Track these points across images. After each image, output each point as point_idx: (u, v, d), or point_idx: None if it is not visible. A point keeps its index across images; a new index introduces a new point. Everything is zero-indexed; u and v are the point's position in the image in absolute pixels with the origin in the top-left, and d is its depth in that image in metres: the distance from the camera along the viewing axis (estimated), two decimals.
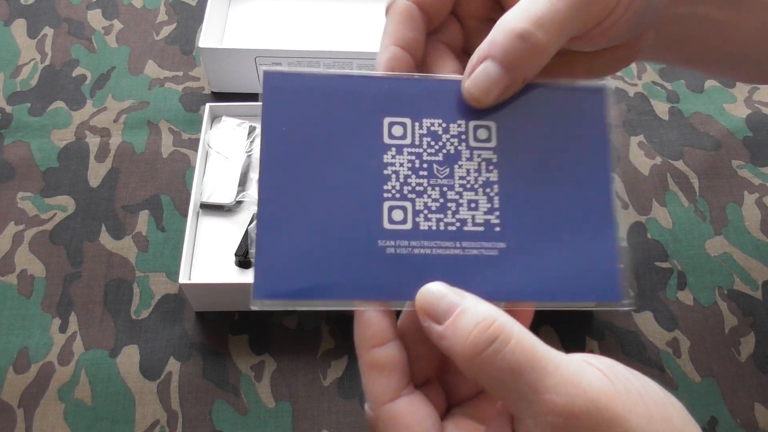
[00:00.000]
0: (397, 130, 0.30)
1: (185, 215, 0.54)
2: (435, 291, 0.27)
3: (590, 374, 0.25)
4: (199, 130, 0.58)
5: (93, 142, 0.59)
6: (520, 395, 0.24)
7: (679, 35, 0.36)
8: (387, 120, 0.30)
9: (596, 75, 0.35)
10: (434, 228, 0.29)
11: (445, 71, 0.32)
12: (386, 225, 0.28)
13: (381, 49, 0.31)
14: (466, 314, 0.25)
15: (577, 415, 0.24)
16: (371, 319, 0.27)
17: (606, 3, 0.29)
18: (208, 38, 0.59)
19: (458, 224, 0.29)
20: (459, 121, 0.30)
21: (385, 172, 0.29)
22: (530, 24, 0.28)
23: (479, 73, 0.29)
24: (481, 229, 0.29)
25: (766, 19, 0.36)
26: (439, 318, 0.26)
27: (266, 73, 0.30)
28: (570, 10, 0.28)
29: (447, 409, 0.30)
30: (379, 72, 0.30)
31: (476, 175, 0.29)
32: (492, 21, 0.29)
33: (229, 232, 0.52)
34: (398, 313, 0.29)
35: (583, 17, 0.29)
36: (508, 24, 0.28)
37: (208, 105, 0.56)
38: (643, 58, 0.37)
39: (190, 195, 0.52)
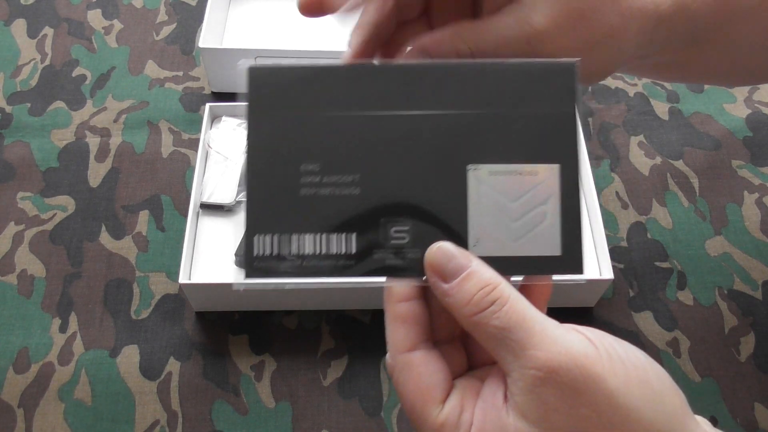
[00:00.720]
0: None
1: (185, 215, 0.54)
2: (446, 250, 0.29)
3: (574, 337, 0.27)
4: (199, 130, 0.58)
5: (93, 142, 0.59)
6: (509, 350, 0.27)
7: (652, 68, 0.38)
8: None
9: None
10: None
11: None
12: None
13: (354, 32, 0.33)
14: (473, 278, 0.28)
15: (557, 369, 0.26)
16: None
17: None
18: (208, 38, 0.59)
19: None
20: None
21: None
22: None
23: None
24: None
25: (730, 49, 0.37)
26: (446, 277, 0.28)
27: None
28: None
29: (467, 370, 0.32)
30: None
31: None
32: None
33: (229, 232, 0.52)
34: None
35: None
36: None
37: (208, 105, 0.56)
38: (622, 72, 0.40)
39: (190, 195, 0.52)
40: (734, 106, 0.63)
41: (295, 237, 0.30)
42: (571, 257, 0.30)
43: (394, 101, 0.31)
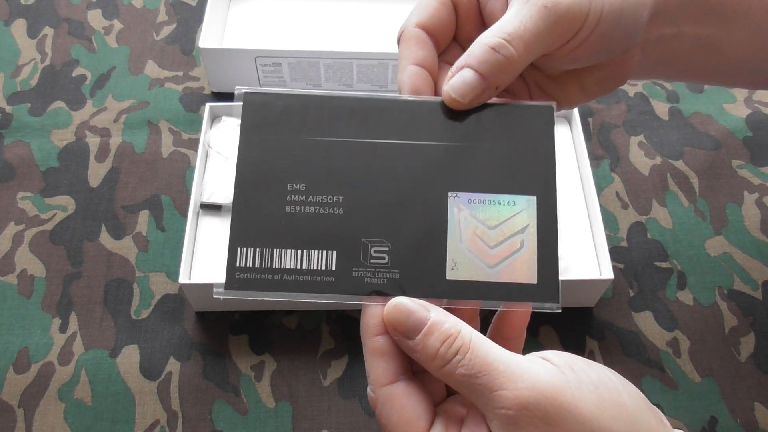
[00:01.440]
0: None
1: (185, 215, 0.54)
2: (402, 308, 0.29)
3: (539, 368, 0.28)
4: (199, 130, 0.58)
5: (93, 142, 0.59)
6: (479, 395, 0.28)
7: (667, 53, 0.38)
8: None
9: (591, 95, 0.38)
10: None
11: None
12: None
13: (400, 71, 0.34)
14: (434, 331, 0.28)
15: (526, 405, 0.26)
16: (375, 311, 0.30)
17: (571, 25, 0.32)
18: (208, 38, 0.59)
19: None
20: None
21: None
22: (502, 38, 0.32)
23: (457, 78, 0.32)
24: None
25: (755, 30, 0.37)
26: (408, 333, 0.29)
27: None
28: (537, 29, 0.32)
29: (446, 396, 0.33)
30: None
31: None
32: None
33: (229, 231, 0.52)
34: None
35: (550, 36, 0.32)
36: (484, 39, 0.32)
37: (208, 105, 0.56)
38: (636, 77, 0.39)
39: (190, 195, 0.52)
40: (734, 106, 0.63)
41: (277, 251, 0.31)
42: (547, 286, 0.31)
43: (380, 130, 0.33)
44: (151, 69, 0.64)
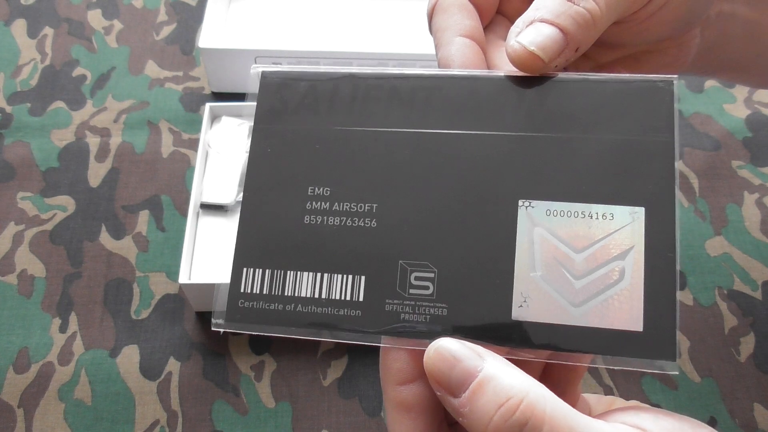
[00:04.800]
0: None
1: (185, 215, 0.54)
2: (445, 353, 0.22)
3: None
4: (199, 130, 0.58)
5: (93, 142, 0.59)
6: None
7: (720, 37, 0.35)
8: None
9: None
10: None
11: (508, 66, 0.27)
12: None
13: (444, 45, 0.27)
14: (487, 390, 0.20)
15: None
16: (398, 353, 0.24)
17: None
18: (208, 38, 0.59)
19: None
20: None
21: None
22: None
23: (531, 31, 0.25)
24: None
25: None
26: (453, 390, 0.21)
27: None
28: None
29: None
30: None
31: None
32: None
33: (229, 232, 0.52)
34: None
35: None
36: None
37: (208, 105, 0.56)
38: (687, 68, 0.35)
39: (190, 195, 0.52)
40: (734, 106, 0.63)
41: (291, 275, 0.25)
42: (658, 335, 0.22)
43: (428, 117, 0.25)
44: (151, 69, 0.64)
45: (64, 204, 0.55)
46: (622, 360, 0.22)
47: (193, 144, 0.59)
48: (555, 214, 0.24)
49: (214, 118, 0.58)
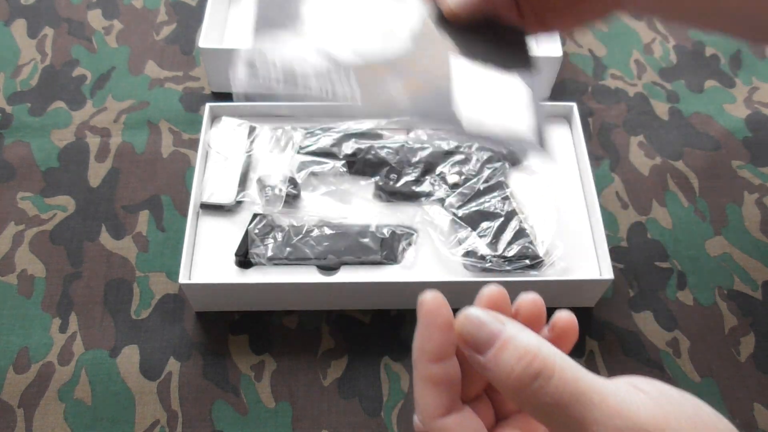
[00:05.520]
0: None
1: (185, 215, 0.54)
2: (474, 319, 0.26)
3: (638, 402, 0.24)
4: (199, 130, 0.58)
5: (93, 142, 0.59)
6: (567, 428, 0.24)
7: None
8: None
9: (584, 18, 0.38)
10: None
11: None
12: None
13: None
14: (508, 347, 0.25)
15: None
16: (433, 334, 0.27)
17: None
18: (208, 38, 0.59)
19: None
20: None
21: None
22: None
23: None
24: None
25: None
26: (480, 348, 0.26)
27: None
28: None
29: (495, 422, 0.30)
30: None
31: None
32: None
33: (229, 232, 0.52)
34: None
35: None
36: None
37: (208, 105, 0.56)
38: (633, 6, 0.39)
39: (190, 195, 0.52)
40: (734, 106, 0.63)
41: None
42: None
43: None
44: (151, 69, 0.64)
45: (64, 204, 0.55)
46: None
47: (193, 144, 0.59)
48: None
49: (214, 118, 0.58)
